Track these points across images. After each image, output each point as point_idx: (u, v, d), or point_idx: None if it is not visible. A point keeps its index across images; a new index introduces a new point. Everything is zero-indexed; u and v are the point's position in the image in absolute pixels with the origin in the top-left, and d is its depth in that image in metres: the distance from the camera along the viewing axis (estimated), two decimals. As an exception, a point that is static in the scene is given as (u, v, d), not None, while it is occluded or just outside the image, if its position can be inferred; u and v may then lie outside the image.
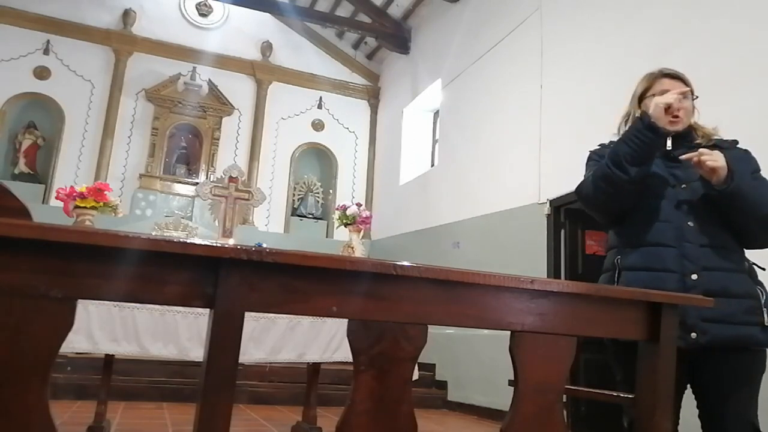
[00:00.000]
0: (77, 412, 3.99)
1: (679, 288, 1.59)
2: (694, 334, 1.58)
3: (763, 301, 1.63)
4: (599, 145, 1.93)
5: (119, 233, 0.87)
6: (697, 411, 1.67)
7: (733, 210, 1.65)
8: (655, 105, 1.69)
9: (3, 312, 0.83)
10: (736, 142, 1.82)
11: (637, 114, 1.82)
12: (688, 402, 1.65)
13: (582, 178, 1.87)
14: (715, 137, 1.80)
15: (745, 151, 1.79)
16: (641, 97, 1.85)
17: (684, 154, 1.73)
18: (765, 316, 1.61)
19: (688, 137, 1.79)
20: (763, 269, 1.75)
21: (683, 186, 1.72)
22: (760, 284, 1.68)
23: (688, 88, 1.77)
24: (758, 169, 1.76)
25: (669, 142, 1.77)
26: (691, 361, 1.62)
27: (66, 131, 7.89)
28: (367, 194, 9.17)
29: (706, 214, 1.68)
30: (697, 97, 1.83)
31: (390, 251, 7.93)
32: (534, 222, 5.17)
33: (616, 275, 1.74)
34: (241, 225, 5.61)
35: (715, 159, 1.62)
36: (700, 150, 1.65)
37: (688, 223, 1.67)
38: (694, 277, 1.62)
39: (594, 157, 1.90)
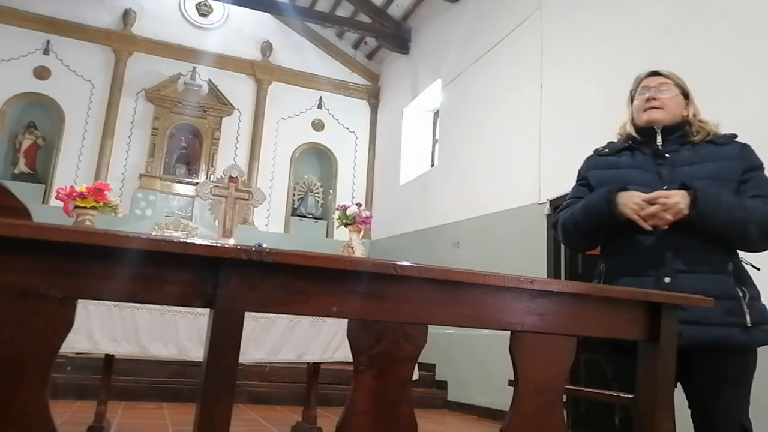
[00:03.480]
0: (77, 412, 3.99)
1: None
2: None
3: (745, 302, 1.59)
4: (594, 151, 1.92)
5: (119, 233, 0.87)
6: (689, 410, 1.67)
7: (709, 233, 1.62)
8: (624, 204, 1.66)
9: (3, 312, 0.83)
10: (734, 136, 1.77)
11: (632, 111, 1.85)
12: (682, 401, 1.64)
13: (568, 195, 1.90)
14: (713, 134, 1.76)
15: (743, 145, 1.74)
16: (632, 99, 1.87)
17: (676, 151, 1.73)
18: (747, 317, 1.57)
19: (679, 132, 1.76)
20: (758, 269, 1.71)
21: (665, 188, 1.67)
22: (749, 285, 1.64)
23: (660, 90, 1.77)
24: (756, 166, 1.71)
25: (659, 138, 1.75)
26: (680, 361, 1.61)
27: (66, 131, 7.89)
28: (367, 194, 9.17)
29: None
30: (688, 98, 1.82)
31: (390, 251, 7.92)
32: (534, 222, 5.16)
33: (602, 283, 1.77)
34: (241, 225, 5.61)
35: (668, 207, 1.59)
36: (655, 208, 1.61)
37: (664, 226, 1.64)
38: (667, 280, 1.61)
39: (583, 171, 1.90)
